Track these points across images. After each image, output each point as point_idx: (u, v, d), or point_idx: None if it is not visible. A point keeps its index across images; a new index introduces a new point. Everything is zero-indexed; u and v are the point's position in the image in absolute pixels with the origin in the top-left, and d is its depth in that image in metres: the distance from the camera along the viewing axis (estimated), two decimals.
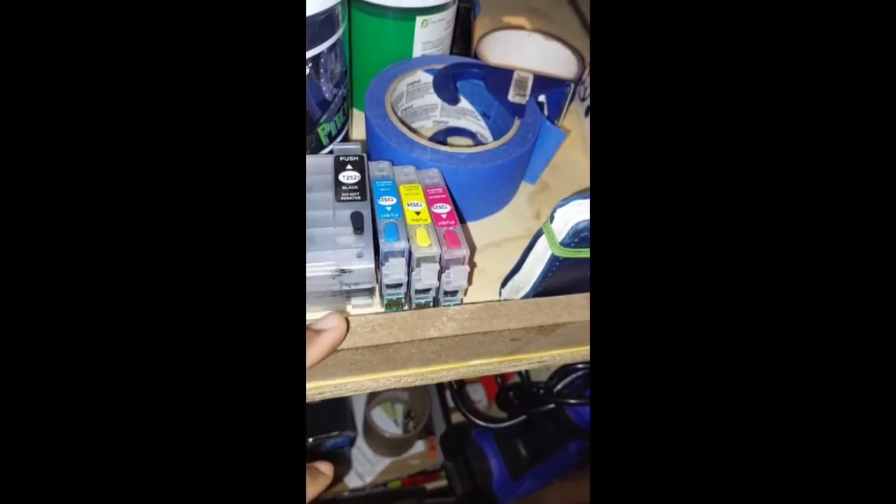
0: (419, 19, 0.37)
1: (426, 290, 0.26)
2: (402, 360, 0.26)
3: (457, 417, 0.77)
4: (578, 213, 0.22)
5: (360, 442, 0.81)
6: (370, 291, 0.26)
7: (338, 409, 0.64)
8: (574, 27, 0.60)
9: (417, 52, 0.39)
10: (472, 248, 0.33)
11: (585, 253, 0.24)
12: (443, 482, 0.79)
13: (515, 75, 0.37)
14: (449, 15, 0.39)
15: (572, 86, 0.39)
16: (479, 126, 0.41)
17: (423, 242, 0.25)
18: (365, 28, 0.38)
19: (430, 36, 0.39)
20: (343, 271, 0.24)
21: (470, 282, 0.28)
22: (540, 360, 0.30)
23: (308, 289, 0.25)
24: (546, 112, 0.39)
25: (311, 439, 0.63)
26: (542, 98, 0.38)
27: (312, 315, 0.24)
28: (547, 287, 0.27)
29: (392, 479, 0.81)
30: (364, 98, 0.34)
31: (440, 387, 0.80)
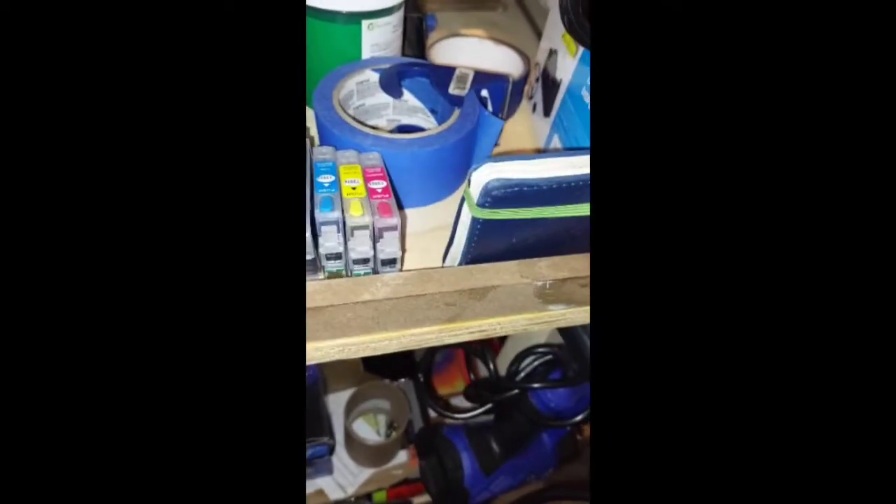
0: (365, 23, 0.40)
1: (364, 261, 0.27)
2: (341, 327, 0.27)
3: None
4: (489, 173, 0.24)
5: (343, 453, 0.81)
6: (312, 263, 0.28)
7: (311, 415, 0.65)
8: (527, 35, 0.63)
9: (366, 54, 0.42)
10: (404, 219, 0.35)
11: (503, 214, 0.25)
12: (428, 497, 0.78)
13: (457, 71, 0.40)
14: (395, 19, 0.42)
15: (511, 80, 0.41)
16: (429, 122, 0.44)
17: (356, 212, 0.26)
18: (315, 32, 0.40)
19: (378, 39, 0.42)
20: None
21: (404, 249, 0.29)
22: (480, 328, 0.31)
23: None
24: (490, 107, 0.42)
25: None
26: (484, 93, 0.41)
27: None
28: (480, 253, 0.29)
29: (375, 489, 0.80)
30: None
31: (420, 394, 0.80)
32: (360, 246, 0.26)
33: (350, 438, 0.79)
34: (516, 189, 0.24)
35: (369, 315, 0.27)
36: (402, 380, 0.84)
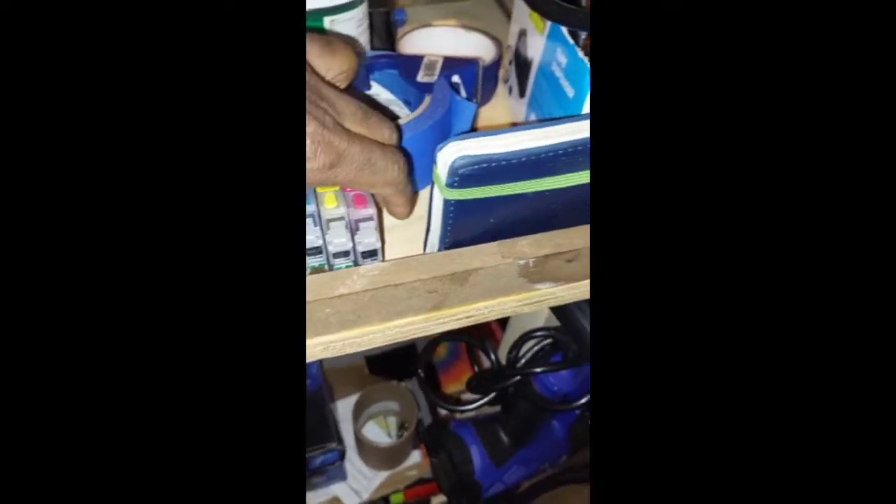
0: (327, 19, 0.39)
1: (345, 254, 0.27)
2: (321, 324, 0.27)
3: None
4: (454, 151, 0.23)
5: (355, 458, 0.81)
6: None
7: (317, 422, 0.64)
8: (499, 20, 0.62)
9: None
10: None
11: (475, 193, 0.25)
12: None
13: (425, 59, 0.39)
14: (359, 13, 0.41)
15: (481, 64, 0.41)
16: (404, 113, 0.43)
17: (331, 204, 0.26)
18: None
19: (342, 34, 0.41)
20: None
21: (383, 240, 0.29)
22: (466, 314, 0.30)
23: None
24: (463, 93, 0.41)
25: None
26: (456, 79, 0.40)
27: None
28: (459, 237, 0.28)
29: (391, 492, 0.80)
30: None
31: (426, 391, 0.80)
32: (338, 238, 0.26)
33: (361, 442, 0.78)
34: (484, 165, 0.23)
35: (348, 309, 0.26)
36: (411, 379, 0.83)
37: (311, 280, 0.26)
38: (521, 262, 0.28)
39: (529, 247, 0.29)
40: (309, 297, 0.25)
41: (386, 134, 0.26)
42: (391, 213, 0.29)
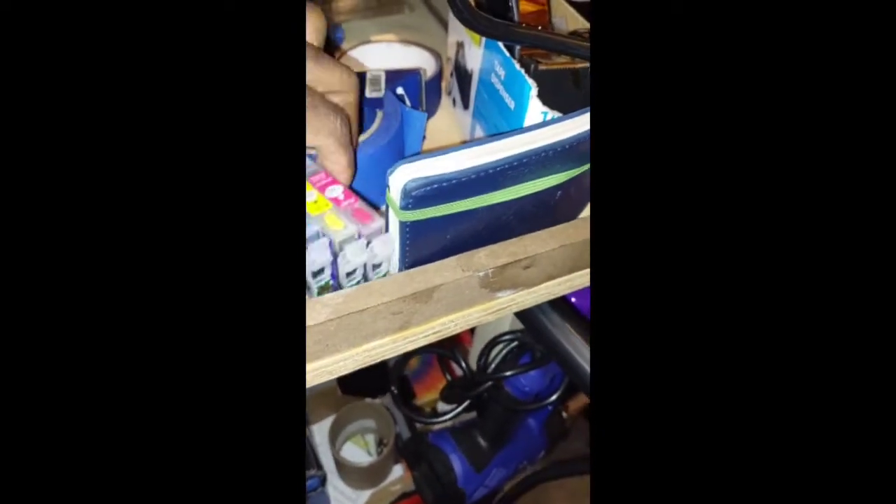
0: None
1: (354, 272, 0.26)
2: None
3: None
4: (406, 174, 0.23)
5: (337, 481, 0.79)
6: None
7: None
8: (437, 33, 0.63)
9: None
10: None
11: (430, 213, 0.25)
12: None
13: (368, 74, 0.39)
14: None
15: (423, 74, 0.41)
16: None
17: (337, 226, 0.25)
18: None
19: None
20: None
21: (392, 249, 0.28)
22: (434, 330, 0.31)
23: None
24: (408, 102, 0.41)
25: None
26: (400, 91, 0.40)
27: None
28: (418, 256, 0.28)
29: None
30: None
31: (398, 405, 0.80)
32: (356, 258, 0.25)
33: (341, 464, 0.77)
34: (436, 185, 0.24)
35: (314, 339, 0.26)
36: (384, 395, 0.83)
37: None
38: (481, 273, 0.29)
39: (487, 258, 0.29)
40: None
41: (337, 76, 0.26)
42: (331, 171, 0.28)
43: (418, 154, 0.25)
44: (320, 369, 0.28)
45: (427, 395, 0.85)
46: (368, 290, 0.27)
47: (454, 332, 0.33)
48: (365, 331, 0.28)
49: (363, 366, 0.30)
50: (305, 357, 0.25)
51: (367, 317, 0.27)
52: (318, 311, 0.26)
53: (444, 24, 0.66)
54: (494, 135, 0.33)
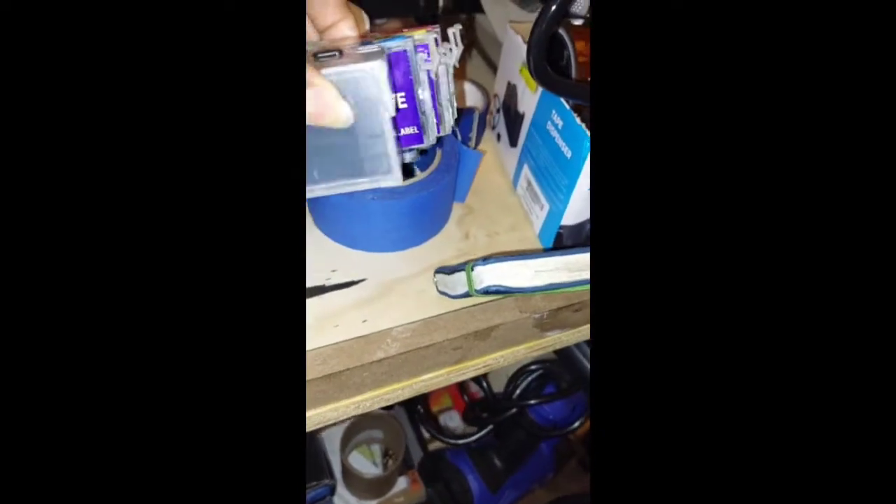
0: None
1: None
2: (356, 386, 0.28)
3: (434, 446, 0.78)
4: (492, 277, 0.26)
5: (342, 490, 0.80)
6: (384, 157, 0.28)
7: (312, 458, 0.64)
8: (480, 66, 0.65)
9: None
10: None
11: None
12: None
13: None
14: None
15: (477, 113, 0.43)
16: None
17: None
18: None
19: None
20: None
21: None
22: (485, 364, 0.33)
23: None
24: (459, 138, 0.43)
25: None
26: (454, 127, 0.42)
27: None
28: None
29: None
30: None
31: (412, 418, 0.81)
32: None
33: (348, 473, 0.78)
34: (511, 291, 0.26)
35: (383, 371, 0.28)
36: (395, 406, 0.84)
37: (352, 346, 0.27)
38: (537, 315, 0.31)
39: (542, 301, 0.31)
40: (349, 363, 0.26)
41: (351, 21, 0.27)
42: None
43: (495, 257, 0.27)
44: (379, 397, 0.30)
45: (437, 404, 0.86)
46: (435, 326, 0.29)
47: (500, 367, 0.35)
48: (427, 363, 0.30)
49: (416, 395, 0.32)
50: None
51: (431, 351, 0.28)
52: (389, 344, 0.27)
53: (485, 57, 0.68)
54: (569, 248, 0.33)
